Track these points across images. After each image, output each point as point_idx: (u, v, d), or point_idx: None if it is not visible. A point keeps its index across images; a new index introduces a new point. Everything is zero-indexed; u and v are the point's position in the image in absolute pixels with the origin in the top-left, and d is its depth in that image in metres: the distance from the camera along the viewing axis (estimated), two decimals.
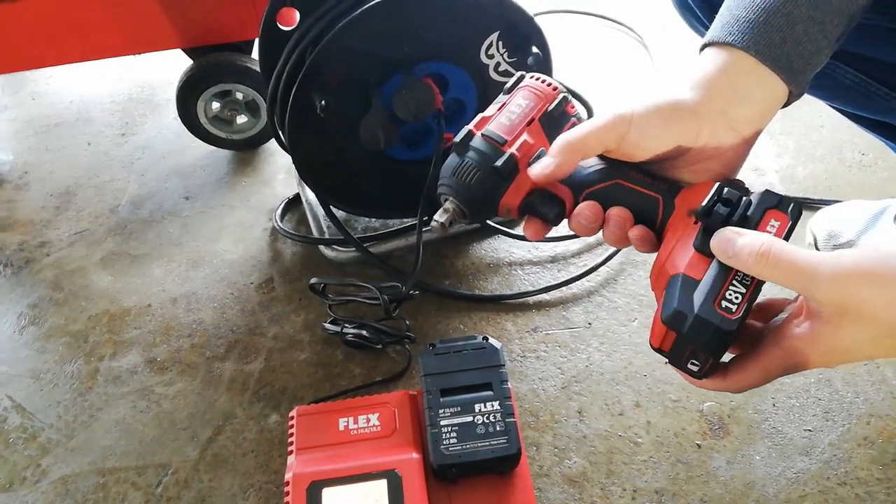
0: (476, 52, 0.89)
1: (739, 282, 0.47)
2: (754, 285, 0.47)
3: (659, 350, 0.50)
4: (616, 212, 0.52)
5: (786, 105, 0.52)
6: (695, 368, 0.48)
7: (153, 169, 1.27)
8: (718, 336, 0.45)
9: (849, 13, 0.50)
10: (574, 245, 1.07)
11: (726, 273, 0.47)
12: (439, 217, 0.56)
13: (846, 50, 0.67)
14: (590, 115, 1.17)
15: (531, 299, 1.00)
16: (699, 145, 0.51)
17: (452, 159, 0.56)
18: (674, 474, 0.79)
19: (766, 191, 0.50)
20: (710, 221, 0.48)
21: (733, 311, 0.46)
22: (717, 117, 0.50)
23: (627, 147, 0.51)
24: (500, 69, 0.91)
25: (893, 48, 0.66)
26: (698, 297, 0.46)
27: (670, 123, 0.50)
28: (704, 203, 0.49)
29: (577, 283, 1.01)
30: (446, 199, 0.56)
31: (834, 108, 0.81)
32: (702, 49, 0.53)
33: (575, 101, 0.60)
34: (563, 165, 0.52)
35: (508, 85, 0.59)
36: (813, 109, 1.26)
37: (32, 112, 1.43)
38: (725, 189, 0.49)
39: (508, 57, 0.90)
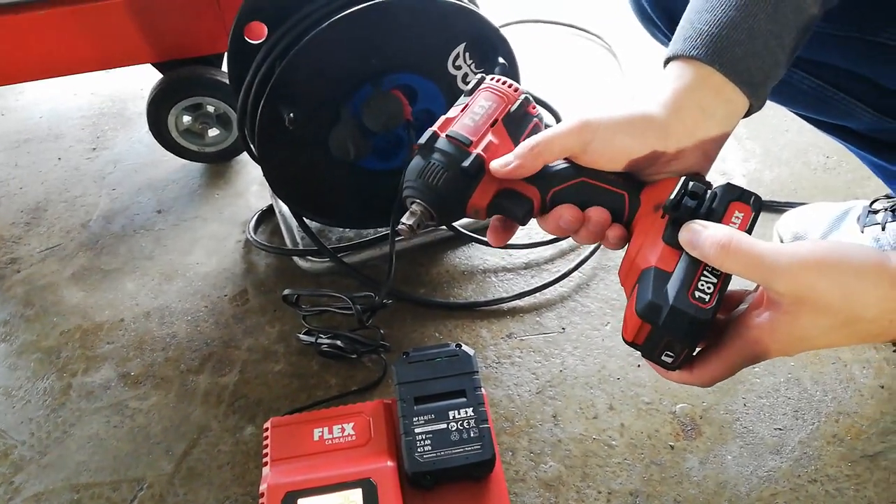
0: (443, 64, 0.90)
1: (710, 272, 0.48)
2: (725, 275, 0.48)
3: (632, 343, 0.51)
4: (596, 213, 0.53)
5: (745, 116, 0.53)
6: (668, 360, 0.49)
7: (125, 183, 1.26)
8: (694, 326, 0.46)
9: (802, 26, 0.52)
10: (547, 251, 1.08)
11: (697, 264, 0.48)
12: (407, 220, 0.55)
13: (801, 56, 0.69)
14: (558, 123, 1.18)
15: (505, 306, 1.00)
16: (664, 160, 0.52)
17: (417, 162, 0.56)
18: (648, 476, 0.80)
19: (729, 184, 0.51)
20: (677, 214, 0.49)
21: (707, 300, 0.47)
22: (685, 137, 0.51)
23: (592, 155, 0.52)
24: (468, 80, 0.92)
25: (843, 54, 0.68)
26: (672, 288, 0.47)
27: (639, 136, 0.51)
28: (672, 196, 0.50)
29: (551, 288, 1.02)
30: (413, 202, 0.56)
31: (794, 112, 0.83)
32: (666, 62, 0.54)
33: (540, 108, 0.60)
34: (523, 167, 0.53)
35: (469, 87, 0.60)
36: (779, 114, 1.28)
37: (2, 128, 1.42)
38: (691, 183, 0.50)
39: (475, 68, 0.91)
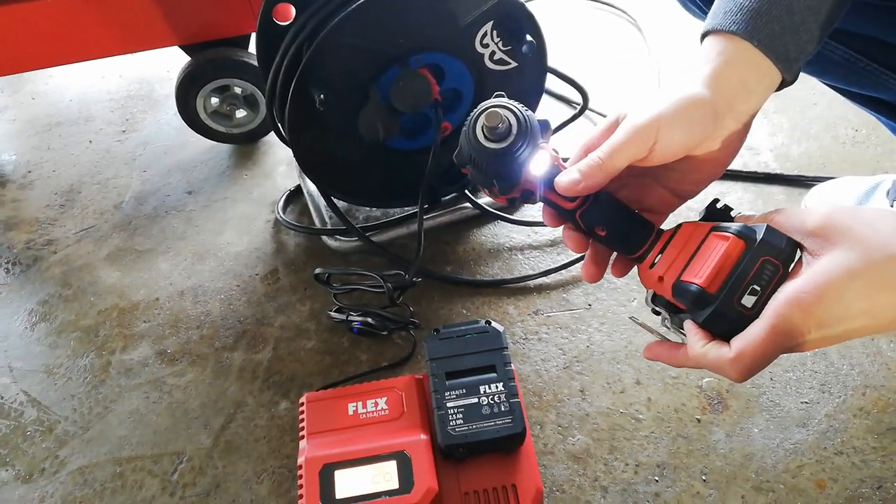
0: (471, 42, 0.90)
1: None
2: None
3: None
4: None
5: (776, 91, 0.53)
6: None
7: (155, 165, 1.28)
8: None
9: (841, 0, 0.52)
10: None
11: None
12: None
13: (836, 27, 0.68)
14: (585, 101, 1.18)
15: (532, 283, 1.01)
16: (713, 141, 0.52)
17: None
18: (675, 448, 0.81)
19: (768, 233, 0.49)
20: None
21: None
22: (727, 111, 0.51)
23: (656, 157, 0.51)
24: (495, 58, 0.92)
25: (881, 24, 0.67)
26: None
27: (695, 125, 0.51)
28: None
29: (577, 265, 1.03)
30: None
31: (826, 84, 0.82)
32: (703, 36, 0.54)
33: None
34: (591, 184, 0.52)
35: None
36: (807, 87, 1.27)
37: (33, 112, 1.44)
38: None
39: (503, 45, 0.91)
